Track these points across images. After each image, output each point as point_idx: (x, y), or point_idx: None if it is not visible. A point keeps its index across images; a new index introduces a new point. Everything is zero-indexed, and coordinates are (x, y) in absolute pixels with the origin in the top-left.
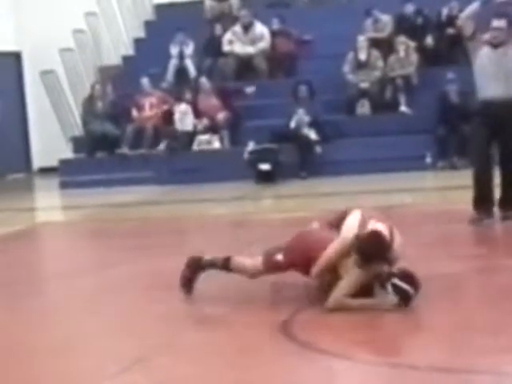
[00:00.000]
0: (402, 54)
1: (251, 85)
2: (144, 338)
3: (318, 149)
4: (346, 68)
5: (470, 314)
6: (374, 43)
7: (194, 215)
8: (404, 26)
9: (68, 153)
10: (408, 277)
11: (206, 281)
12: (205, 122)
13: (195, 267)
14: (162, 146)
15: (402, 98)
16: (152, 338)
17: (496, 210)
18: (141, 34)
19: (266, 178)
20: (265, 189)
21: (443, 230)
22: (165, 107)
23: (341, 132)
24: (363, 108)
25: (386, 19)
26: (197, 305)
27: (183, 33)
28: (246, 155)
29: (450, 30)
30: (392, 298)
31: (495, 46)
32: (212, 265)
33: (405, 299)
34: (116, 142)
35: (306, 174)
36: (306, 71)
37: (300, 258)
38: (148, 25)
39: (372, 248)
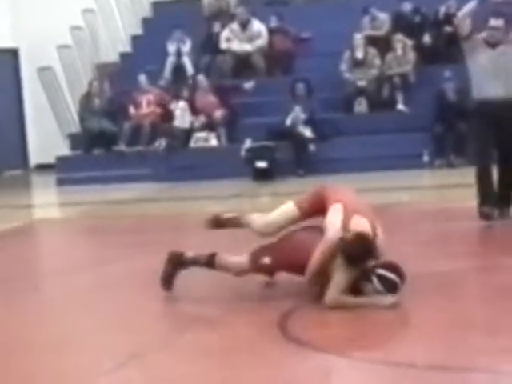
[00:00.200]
0: (399, 52)
1: (249, 82)
2: (140, 335)
3: (312, 147)
4: (343, 66)
5: (467, 312)
6: (371, 41)
7: (191, 212)
8: (401, 24)
9: (65, 149)
10: (392, 267)
11: (202, 279)
12: (202, 119)
13: (176, 263)
14: (159, 144)
15: (400, 96)
16: (148, 335)
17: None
18: (138, 31)
19: (262, 176)
20: (262, 186)
21: (440, 228)
22: (162, 104)
23: (338, 130)
24: (360, 106)
25: (384, 17)
26: (193, 303)
27: (181, 30)
28: (243, 153)
29: (448, 29)
30: (389, 297)
31: (492, 45)
32: (194, 262)
33: (391, 288)
34: (113, 139)
35: (304, 171)
36: (303, 69)
37: (287, 262)
38: (145, 22)
39: (357, 250)
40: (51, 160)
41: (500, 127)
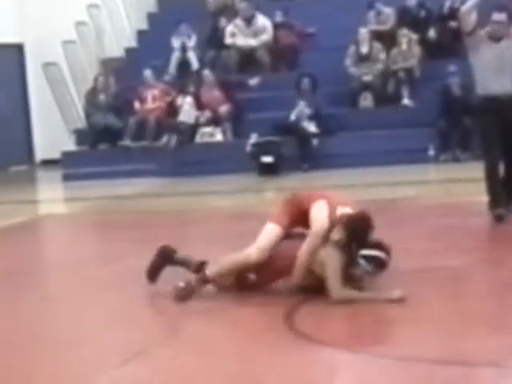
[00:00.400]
0: (404, 46)
1: (254, 77)
2: (146, 330)
3: (315, 142)
4: (348, 61)
5: (474, 306)
6: (377, 36)
7: (197, 207)
8: (406, 18)
9: (71, 145)
10: (375, 245)
11: None
12: (207, 114)
13: (165, 258)
14: (167, 140)
15: (405, 91)
16: (154, 329)
17: None
18: (144, 26)
19: (268, 171)
20: (267, 181)
21: (446, 223)
22: (167, 99)
23: (343, 125)
24: (366, 101)
25: (389, 12)
26: (199, 297)
27: (186, 24)
28: (248, 148)
29: (453, 23)
30: (396, 291)
31: (496, 39)
32: (183, 264)
33: (380, 265)
34: (118, 135)
35: (308, 166)
36: (308, 64)
37: (273, 272)
38: (151, 17)
39: (362, 225)
40: (57, 155)
41: (506, 123)
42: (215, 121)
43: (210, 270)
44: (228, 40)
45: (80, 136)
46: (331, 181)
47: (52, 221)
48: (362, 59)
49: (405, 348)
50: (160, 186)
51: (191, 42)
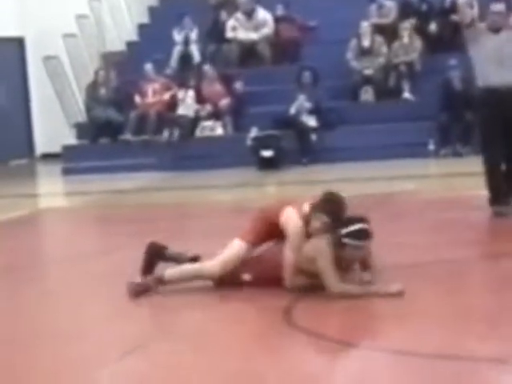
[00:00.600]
0: (405, 40)
1: (255, 71)
2: (145, 324)
3: (314, 136)
4: (350, 55)
5: (472, 301)
6: (378, 29)
7: (197, 201)
8: (408, 12)
9: (71, 139)
10: (350, 220)
11: None
12: (208, 108)
13: (153, 255)
14: (169, 133)
15: (406, 85)
16: (153, 324)
17: None
18: (145, 19)
19: (268, 165)
20: (267, 175)
21: (446, 217)
22: (168, 93)
23: (344, 118)
24: (367, 94)
25: (390, 5)
26: (198, 292)
27: (189, 18)
28: (248, 142)
29: (454, 17)
30: (395, 284)
31: (495, 31)
32: (176, 259)
33: (365, 236)
34: (119, 129)
35: (308, 160)
36: (310, 57)
37: (266, 275)
38: (152, 10)
39: (336, 203)
40: (57, 149)
41: (506, 116)
42: (216, 115)
43: (168, 273)
44: (229, 34)
45: (80, 130)
46: (331, 175)
47: (52, 215)
48: (363, 53)
49: (403, 342)
50: (160, 180)
51: (193, 36)
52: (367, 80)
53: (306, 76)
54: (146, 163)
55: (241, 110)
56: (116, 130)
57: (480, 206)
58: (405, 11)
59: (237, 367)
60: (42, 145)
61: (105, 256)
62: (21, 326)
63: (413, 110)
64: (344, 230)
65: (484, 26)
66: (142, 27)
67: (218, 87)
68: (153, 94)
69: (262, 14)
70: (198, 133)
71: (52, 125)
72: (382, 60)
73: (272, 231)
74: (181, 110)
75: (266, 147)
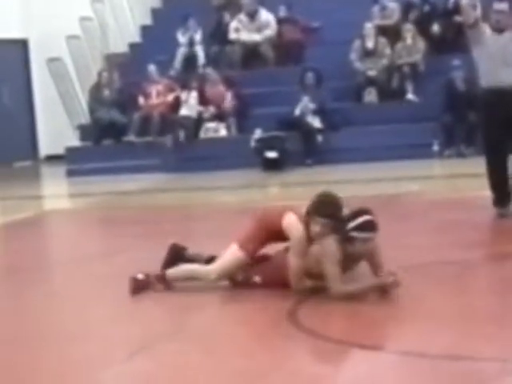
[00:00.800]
0: (409, 41)
1: (258, 73)
2: (151, 325)
3: (319, 137)
4: (353, 56)
5: (478, 301)
6: (381, 31)
7: (201, 203)
8: (411, 13)
9: (75, 140)
10: (355, 214)
11: None
12: (211, 109)
13: (175, 256)
14: (169, 136)
15: (409, 86)
16: (158, 324)
17: None
18: (148, 21)
19: (272, 166)
20: (271, 176)
21: (450, 218)
22: (172, 95)
23: (348, 120)
24: (370, 96)
25: (393, 6)
26: (203, 293)
27: (193, 19)
28: (252, 143)
29: (457, 18)
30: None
31: (499, 31)
32: (194, 260)
33: (371, 228)
34: (123, 130)
35: (312, 161)
36: (313, 58)
37: (275, 278)
38: (155, 12)
39: (329, 202)
40: (61, 151)
41: (510, 116)
42: (219, 116)
43: (169, 272)
44: (232, 35)
45: (84, 131)
46: (335, 176)
47: (56, 216)
48: (367, 54)
49: (409, 343)
50: (164, 181)
51: (198, 37)
52: (371, 81)
53: (310, 77)
54: (149, 165)
55: (244, 111)
56: (120, 132)
57: (485, 206)
58: (407, 12)
59: (242, 368)
60: (45, 146)
61: (109, 257)
62: (26, 327)
63: (416, 110)
64: (351, 224)
65: (487, 25)
66: (144, 29)
67: (221, 89)
68: (156, 95)
69: (265, 16)
70: (202, 134)
71: (56, 126)
72: (385, 61)
73: (272, 238)
74: (183, 112)
75: (270, 148)
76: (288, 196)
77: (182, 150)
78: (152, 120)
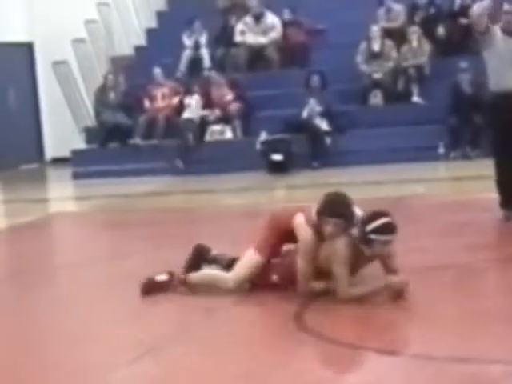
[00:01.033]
0: (414, 43)
1: (263, 75)
2: (156, 328)
3: (328, 140)
4: (359, 58)
5: (486, 303)
6: (387, 33)
7: (207, 205)
8: (416, 15)
9: (80, 143)
10: (374, 215)
11: None
12: (217, 112)
13: (200, 257)
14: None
15: (415, 89)
16: (164, 327)
17: None
18: (153, 24)
19: (278, 169)
20: (277, 179)
21: (456, 220)
22: (177, 98)
23: (353, 122)
24: (376, 98)
25: (399, 9)
26: (208, 295)
27: (199, 22)
28: (258, 146)
29: (463, 20)
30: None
31: (510, 33)
32: (216, 261)
33: (390, 230)
34: (128, 133)
35: (318, 164)
36: (318, 61)
37: (291, 277)
38: (160, 15)
39: (341, 200)
40: (67, 154)
41: None
42: (225, 119)
43: (191, 277)
44: (237, 38)
45: (90, 134)
46: (341, 178)
47: (62, 219)
48: (373, 56)
49: (417, 346)
50: (170, 184)
51: (203, 40)
52: (376, 84)
53: (315, 80)
54: (155, 167)
55: (250, 114)
56: (125, 135)
57: (491, 208)
58: (413, 15)
59: (249, 371)
60: (51, 149)
61: (115, 260)
62: (32, 330)
63: (422, 113)
64: (369, 227)
65: (498, 28)
66: (150, 31)
67: (226, 91)
68: (162, 98)
69: (271, 18)
70: (208, 137)
71: (61, 129)
72: (391, 64)
73: (287, 238)
74: (186, 115)
75: (276, 151)
76: (294, 198)
77: (187, 152)
78: (157, 123)
